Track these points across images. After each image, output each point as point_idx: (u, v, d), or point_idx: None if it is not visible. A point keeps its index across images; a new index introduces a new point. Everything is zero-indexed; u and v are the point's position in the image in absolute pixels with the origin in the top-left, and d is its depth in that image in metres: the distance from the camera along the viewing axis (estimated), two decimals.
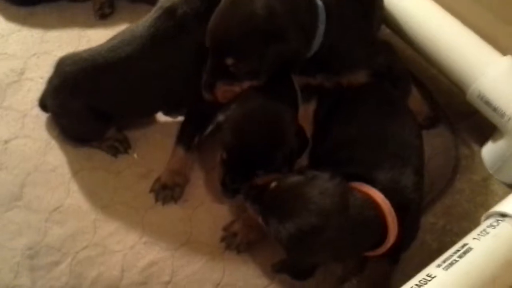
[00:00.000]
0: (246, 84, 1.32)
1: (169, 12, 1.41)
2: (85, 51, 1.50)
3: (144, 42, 1.41)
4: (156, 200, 1.50)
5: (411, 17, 1.65)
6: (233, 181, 1.31)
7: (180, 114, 1.61)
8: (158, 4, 1.45)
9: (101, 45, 1.48)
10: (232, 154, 1.30)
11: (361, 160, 1.30)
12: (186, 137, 1.51)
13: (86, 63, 1.45)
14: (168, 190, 1.49)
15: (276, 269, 1.32)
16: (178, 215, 1.48)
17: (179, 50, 1.42)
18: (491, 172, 1.59)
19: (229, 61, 1.26)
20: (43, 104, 1.59)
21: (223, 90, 1.32)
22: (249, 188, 1.28)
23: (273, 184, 1.20)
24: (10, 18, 1.89)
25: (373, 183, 1.23)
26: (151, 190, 1.51)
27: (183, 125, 1.54)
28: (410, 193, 1.27)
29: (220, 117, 1.33)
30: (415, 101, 1.58)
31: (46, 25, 1.87)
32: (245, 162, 1.29)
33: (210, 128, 1.36)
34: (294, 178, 1.19)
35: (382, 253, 1.24)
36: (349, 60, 1.42)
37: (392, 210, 1.19)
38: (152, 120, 1.65)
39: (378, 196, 1.20)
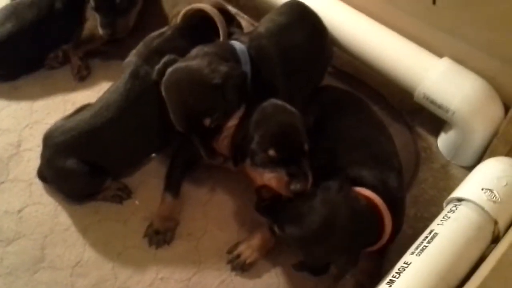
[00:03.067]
0: (232, 121, 1.47)
1: (133, 74, 1.62)
2: (68, 121, 1.64)
3: (120, 105, 1.61)
4: (150, 244, 1.62)
5: (354, 35, 1.81)
6: (299, 167, 1.37)
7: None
8: (124, 72, 1.64)
9: (83, 113, 1.65)
10: (280, 143, 1.38)
11: (349, 163, 1.47)
12: (173, 184, 1.66)
13: (74, 131, 1.60)
14: (160, 235, 1.62)
15: (296, 269, 1.48)
16: (185, 247, 1.62)
17: (150, 103, 1.60)
18: (448, 159, 1.77)
19: (207, 121, 1.41)
20: (42, 176, 1.72)
21: (221, 143, 1.46)
22: (261, 201, 1.44)
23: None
24: None
25: (363, 184, 1.41)
26: (145, 236, 1.63)
27: (169, 172, 1.68)
28: (397, 193, 1.46)
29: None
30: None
31: (32, 96, 1.98)
32: (291, 142, 1.39)
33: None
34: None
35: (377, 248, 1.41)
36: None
37: (388, 212, 1.37)
38: (147, 166, 1.78)
39: (377, 200, 1.38)
